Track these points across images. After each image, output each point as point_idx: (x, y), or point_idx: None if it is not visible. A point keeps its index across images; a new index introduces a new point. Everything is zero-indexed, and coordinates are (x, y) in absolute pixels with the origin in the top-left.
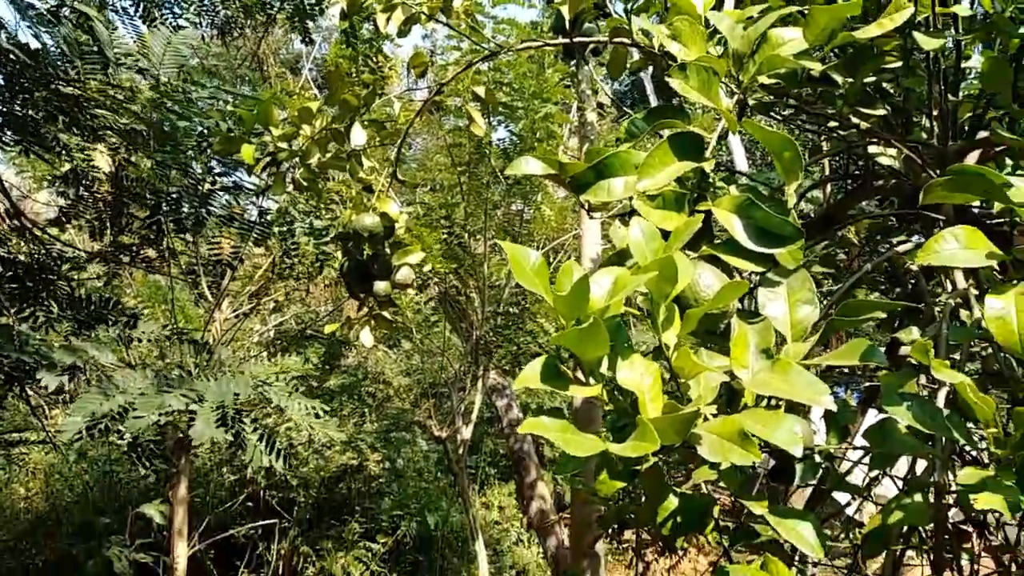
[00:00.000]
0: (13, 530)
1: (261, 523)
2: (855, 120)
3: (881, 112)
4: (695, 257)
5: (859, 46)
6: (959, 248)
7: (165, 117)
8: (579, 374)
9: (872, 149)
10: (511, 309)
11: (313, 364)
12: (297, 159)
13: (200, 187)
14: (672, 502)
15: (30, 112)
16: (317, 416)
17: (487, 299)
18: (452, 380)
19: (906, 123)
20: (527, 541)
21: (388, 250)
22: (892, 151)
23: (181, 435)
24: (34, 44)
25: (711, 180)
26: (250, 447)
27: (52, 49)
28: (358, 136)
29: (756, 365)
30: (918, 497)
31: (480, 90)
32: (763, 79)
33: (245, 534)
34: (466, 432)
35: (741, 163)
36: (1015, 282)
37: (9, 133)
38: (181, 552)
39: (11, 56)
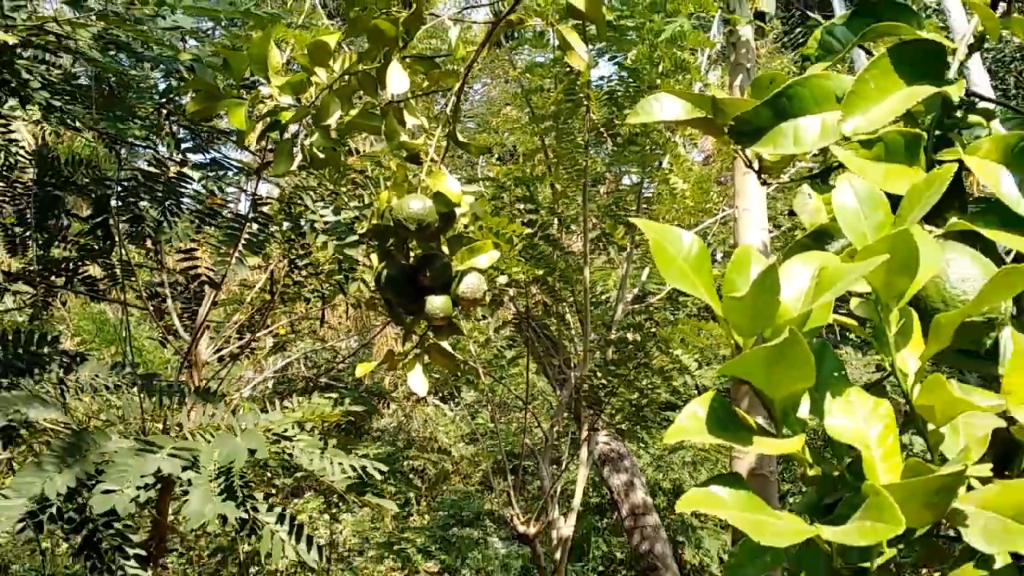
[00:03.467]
0: None
1: None
2: None
3: None
4: (940, 235)
5: None
6: None
7: (112, 62)
8: (759, 420)
9: None
10: (628, 335)
11: (343, 410)
12: (308, 120)
13: (164, 169)
14: None
15: None
16: (366, 485)
17: (591, 322)
18: (541, 447)
19: None
20: None
21: (446, 249)
22: None
23: (153, 520)
24: None
25: (957, 115)
26: (266, 534)
27: None
28: (398, 80)
29: None
30: None
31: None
32: None
33: None
34: (565, 527)
35: (983, 87)
36: None
37: None
38: None
39: None
